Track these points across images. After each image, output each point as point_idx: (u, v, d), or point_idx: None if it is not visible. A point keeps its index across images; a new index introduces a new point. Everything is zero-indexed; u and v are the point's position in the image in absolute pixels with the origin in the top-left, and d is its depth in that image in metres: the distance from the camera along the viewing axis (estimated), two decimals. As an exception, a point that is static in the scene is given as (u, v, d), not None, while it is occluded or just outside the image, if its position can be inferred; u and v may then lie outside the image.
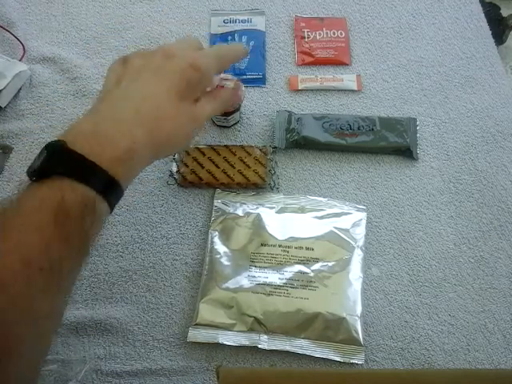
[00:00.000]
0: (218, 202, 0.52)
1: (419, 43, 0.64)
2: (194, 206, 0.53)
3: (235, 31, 0.64)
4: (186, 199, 0.53)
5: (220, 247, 0.49)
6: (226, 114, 0.54)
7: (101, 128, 0.33)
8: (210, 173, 0.52)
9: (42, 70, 0.61)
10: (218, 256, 0.48)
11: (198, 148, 0.54)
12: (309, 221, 0.50)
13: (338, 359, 0.44)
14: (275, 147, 0.55)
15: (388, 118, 0.57)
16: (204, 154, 0.54)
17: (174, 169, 0.53)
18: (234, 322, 0.45)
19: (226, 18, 0.65)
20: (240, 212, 0.51)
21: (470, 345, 0.47)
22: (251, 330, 0.45)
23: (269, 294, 0.46)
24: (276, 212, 0.51)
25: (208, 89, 0.44)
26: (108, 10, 0.66)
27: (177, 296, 0.48)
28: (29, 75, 0.60)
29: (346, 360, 0.44)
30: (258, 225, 0.50)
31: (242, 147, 0.54)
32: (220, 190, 0.53)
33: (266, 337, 0.45)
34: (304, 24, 0.65)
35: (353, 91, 0.60)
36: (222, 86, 0.47)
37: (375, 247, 0.51)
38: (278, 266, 0.47)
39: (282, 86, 0.61)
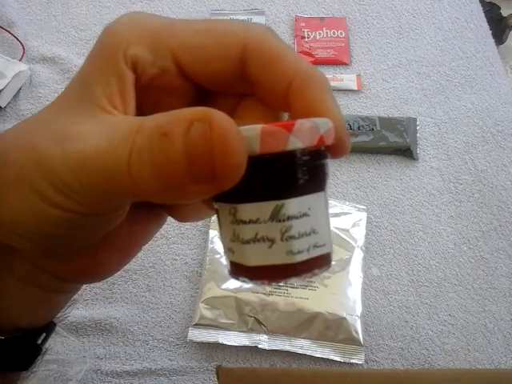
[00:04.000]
0: (218, 202, 0.52)
1: (419, 43, 0.64)
2: (194, 205, 0.53)
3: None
4: (186, 199, 0.53)
5: (220, 247, 0.49)
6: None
7: None
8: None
9: (42, 70, 0.61)
10: (218, 256, 0.48)
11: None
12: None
13: (338, 359, 0.44)
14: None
15: (388, 118, 0.57)
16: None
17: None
18: (233, 321, 0.45)
19: (225, 18, 0.65)
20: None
21: (470, 345, 0.47)
22: (251, 329, 0.45)
23: (269, 294, 0.46)
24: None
25: None
26: (108, 9, 0.66)
27: (177, 296, 0.48)
28: (29, 75, 0.60)
29: (346, 360, 0.44)
30: (258, 225, 0.50)
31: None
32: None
33: (266, 337, 0.45)
34: (304, 24, 0.65)
35: (353, 91, 0.60)
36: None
37: (375, 247, 0.51)
38: (278, 265, 0.47)
39: (282, 86, 0.61)
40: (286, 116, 0.19)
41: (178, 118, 0.14)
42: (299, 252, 0.16)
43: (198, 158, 0.14)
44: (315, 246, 0.16)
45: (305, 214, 0.15)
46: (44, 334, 0.22)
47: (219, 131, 0.14)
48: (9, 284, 0.18)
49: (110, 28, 0.18)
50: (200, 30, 0.18)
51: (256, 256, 0.16)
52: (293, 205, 0.15)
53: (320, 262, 0.16)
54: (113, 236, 0.19)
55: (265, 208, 0.15)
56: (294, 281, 0.16)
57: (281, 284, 0.46)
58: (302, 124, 0.15)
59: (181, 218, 0.22)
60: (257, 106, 0.19)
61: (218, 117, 0.14)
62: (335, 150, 0.17)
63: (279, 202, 0.15)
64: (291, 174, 0.15)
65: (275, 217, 0.15)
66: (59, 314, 0.23)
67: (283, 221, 0.15)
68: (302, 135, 0.15)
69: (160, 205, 0.20)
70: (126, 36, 0.17)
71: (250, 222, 0.15)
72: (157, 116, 0.15)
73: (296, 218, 0.15)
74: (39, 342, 0.22)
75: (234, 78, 0.18)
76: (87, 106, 0.17)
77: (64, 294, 0.21)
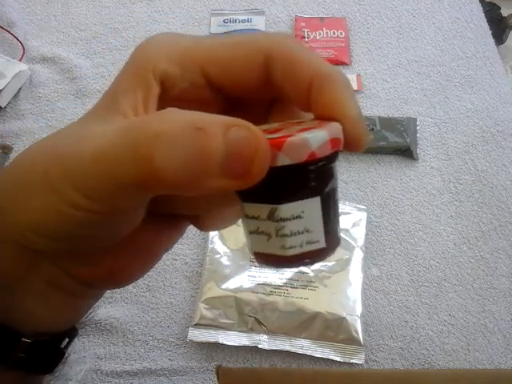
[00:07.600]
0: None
1: (419, 43, 0.64)
2: (194, 205, 0.53)
3: (235, 31, 0.64)
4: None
5: (220, 247, 0.49)
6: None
7: None
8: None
9: (42, 70, 0.61)
10: (218, 256, 0.48)
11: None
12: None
13: (338, 359, 0.44)
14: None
15: (388, 117, 0.57)
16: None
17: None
18: (233, 321, 0.45)
19: (226, 17, 0.65)
20: (240, 212, 0.51)
21: (470, 345, 0.47)
22: (251, 329, 0.45)
23: (269, 294, 0.46)
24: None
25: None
26: (108, 9, 0.66)
27: (177, 296, 0.48)
28: (29, 75, 0.60)
29: (346, 360, 0.44)
30: (257, 225, 0.50)
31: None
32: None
33: (266, 337, 0.45)
34: (304, 24, 0.65)
35: (353, 91, 0.60)
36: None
37: (375, 247, 0.51)
38: (278, 265, 0.47)
39: (282, 86, 0.61)
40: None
41: (215, 120, 0.15)
42: (291, 247, 0.17)
43: (239, 157, 0.15)
44: (308, 243, 0.18)
45: (298, 217, 0.17)
46: (67, 340, 0.22)
47: (258, 137, 0.15)
48: (36, 287, 0.19)
49: (140, 47, 0.19)
50: (224, 42, 0.19)
51: (257, 245, 0.18)
52: (285, 209, 0.17)
53: (312, 256, 0.18)
54: (135, 242, 0.20)
55: (263, 209, 0.17)
56: (287, 269, 0.18)
57: (281, 284, 0.46)
58: (292, 141, 0.16)
59: (202, 226, 0.22)
60: (288, 109, 0.20)
61: (253, 126, 0.16)
62: (350, 145, 0.18)
63: (274, 206, 0.17)
64: (281, 185, 0.17)
65: (271, 217, 0.17)
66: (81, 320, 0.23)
67: (277, 221, 0.17)
68: (291, 152, 0.16)
69: (182, 213, 0.21)
70: (155, 53, 0.18)
71: (253, 217, 0.18)
72: (181, 113, 0.16)
73: (289, 219, 0.17)
74: (62, 346, 0.22)
75: (260, 86, 0.19)
76: (111, 114, 0.18)
77: (87, 299, 0.22)
